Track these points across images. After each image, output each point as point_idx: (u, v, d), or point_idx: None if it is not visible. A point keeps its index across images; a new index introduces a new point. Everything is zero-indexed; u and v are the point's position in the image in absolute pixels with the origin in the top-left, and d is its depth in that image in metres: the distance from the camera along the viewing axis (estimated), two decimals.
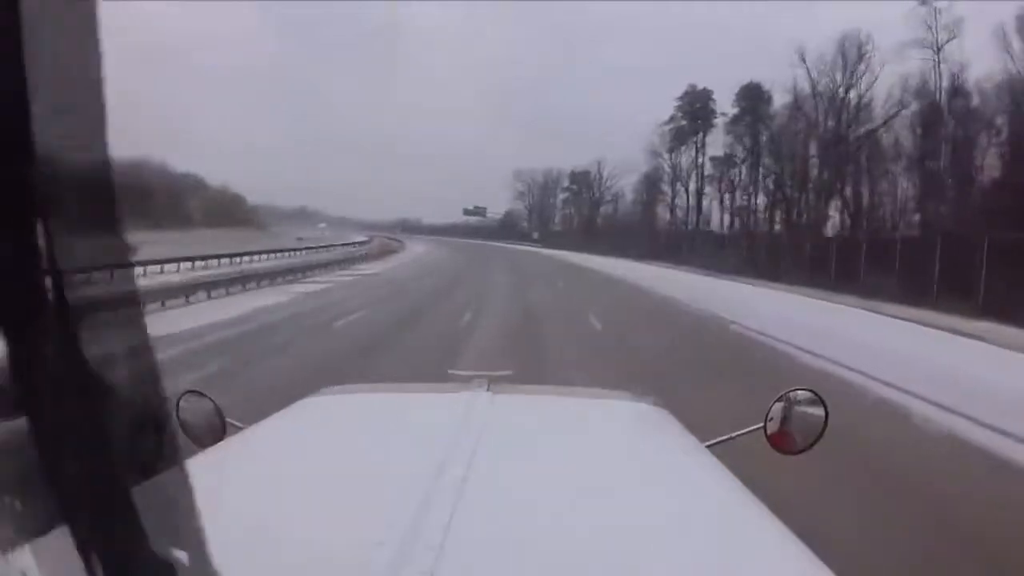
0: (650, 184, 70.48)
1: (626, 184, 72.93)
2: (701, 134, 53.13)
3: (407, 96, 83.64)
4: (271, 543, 0.97)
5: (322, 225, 72.15)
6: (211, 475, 1.22)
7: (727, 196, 49.31)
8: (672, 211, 62.69)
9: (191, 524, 0.79)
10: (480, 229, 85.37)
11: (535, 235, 75.32)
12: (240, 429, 1.77)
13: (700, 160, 53.74)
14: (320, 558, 0.92)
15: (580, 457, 1.42)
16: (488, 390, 1.74)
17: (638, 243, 54.55)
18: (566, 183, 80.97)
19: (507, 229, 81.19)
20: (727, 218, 50.62)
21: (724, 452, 1.67)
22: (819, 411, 1.97)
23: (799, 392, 2.00)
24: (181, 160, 54.25)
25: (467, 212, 75.58)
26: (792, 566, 1.03)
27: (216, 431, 1.90)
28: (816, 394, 2.00)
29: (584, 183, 79.19)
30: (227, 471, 1.29)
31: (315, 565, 0.91)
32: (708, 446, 1.70)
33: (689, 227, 55.95)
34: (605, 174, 74.58)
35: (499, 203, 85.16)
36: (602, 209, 76.13)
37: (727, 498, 1.25)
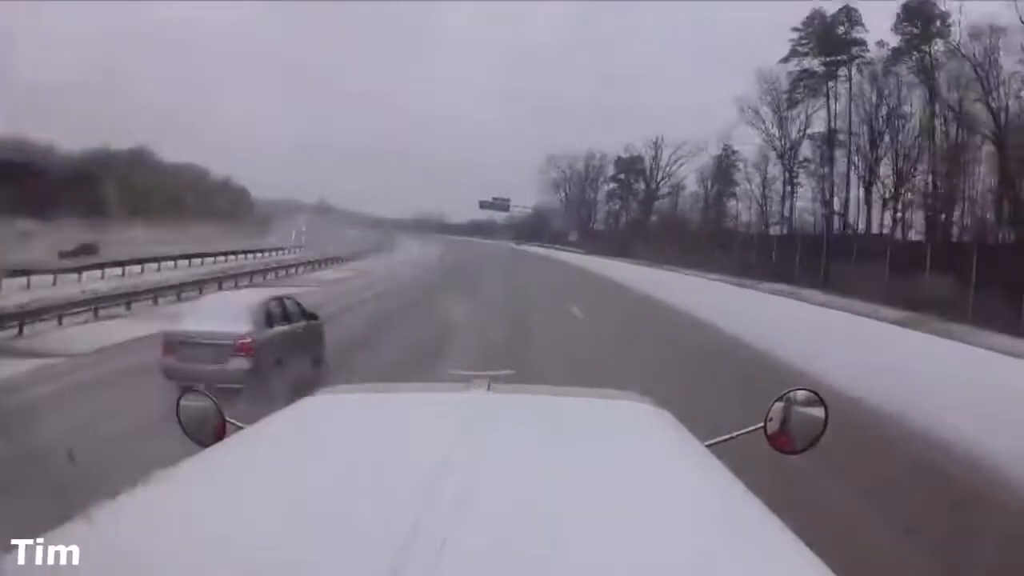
0: (722, 169, 55.00)
1: (690, 171, 57.28)
2: (844, 75, 35.46)
3: (429, 86, 73.68)
4: (271, 543, 0.97)
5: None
6: (211, 475, 1.29)
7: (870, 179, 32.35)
8: (763, 205, 46.78)
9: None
10: (506, 228, 70.49)
11: (572, 236, 59.14)
12: (240, 429, 1.77)
13: (833, 114, 35.93)
14: (320, 558, 0.92)
15: (580, 457, 1.41)
16: (489, 390, 1.76)
17: (709, 250, 38.80)
18: (611, 171, 65.46)
19: (538, 228, 65.80)
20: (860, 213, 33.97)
21: (724, 452, 1.65)
22: (819, 411, 1.98)
23: (799, 392, 2.02)
24: (192, 154, 50.50)
25: (484, 205, 60.20)
26: (792, 565, 1.04)
27: (216, 431, 1.92)
28: (816, 394, 2.01)
29: (634, 171, 63.50)
30: (227, 471, 1.32)
31: (315, 565, 0.91)
32: (708, 446, 1.69)
33: (786, 227, 39.99)
34: (665, 158, 58.84)
35: (528, 197, 70.41)
36: (656, 204, 60.51)
37: (727, 497, 1.25)
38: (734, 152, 57.93)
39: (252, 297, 10.67)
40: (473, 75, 78.50)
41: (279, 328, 9.60)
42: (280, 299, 10.30)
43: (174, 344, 8.99)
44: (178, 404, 2.00)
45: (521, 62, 79.27)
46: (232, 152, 63.31)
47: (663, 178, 59.56)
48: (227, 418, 1.94)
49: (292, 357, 9.33)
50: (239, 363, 8.43)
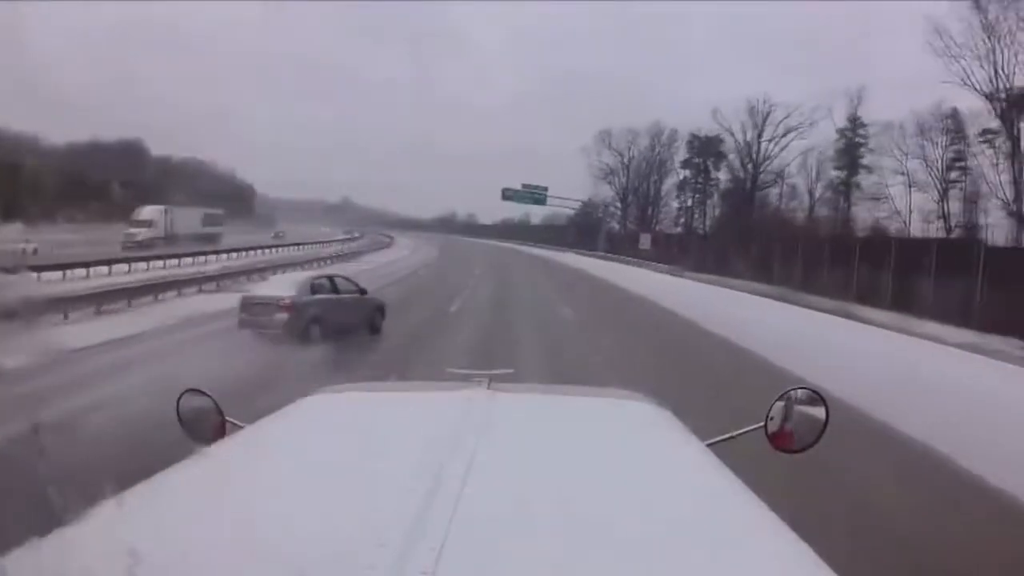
0: (850, 147, 39.62)
1: (795, 152, 41.05)
2: None
3: (457, 79, 70.60)
4: (271, 543, 0.96)
5: (138, 220, 36.93)
6: (211, 474, 1.28)
7: None
8: (942, 197, 30.88)
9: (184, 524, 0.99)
10: (545, 229, 54.96)
11: (645, 242, 42.57)
12: (240, 428, 1.77)
13: None
14: (320, 558, 0.91)
15: (580, 456, 1.41)
16: (488, 388, 1.74)
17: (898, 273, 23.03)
18: (682, 155, 49.20)
19: (588, 229, 50.06)
20: None
21: (725, 451, 1.63)
22: (820, 410, 1.94)
23: (800, 391, 1.99)
24: (203, 151, 49.98)
25: (509, 195, 44.89)
26: (791, 564, 1.03)
27: (216, 429, 1.90)
28: (817, 393, 1.97)
29: (713, 154, 47.40)
30: (227, 470, 1.32)
31: (315, 565, 0.90)
32: (708, 445, 1.66)
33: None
34: (767, 133, 42.51)
35: (574, 192, 55.06)
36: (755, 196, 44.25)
37: (727, 497, 1.25)
38: (864, 125, 41.75)
39: (302, 275, 15.85)
40: (504, 64, 73.03)
41: (321, 296, 12.97)
42: (330, 277, 14.23)
43: (246, 304, 12.86)
44: (178, 403, 1.95)
45: (557, 43, 66.84)
46: (253, 151, 62.96)
47: (764, 160, 43.39)
48: (227, 417, 1.90)
49: (334, 316, 12.72)
50: (280, 316, 12.22)
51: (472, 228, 63.77)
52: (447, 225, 65.08)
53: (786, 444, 1.96)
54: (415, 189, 66.82)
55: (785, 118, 41.35)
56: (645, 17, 55.27)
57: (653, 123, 49.25)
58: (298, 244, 40.50)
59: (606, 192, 50.26)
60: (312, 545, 0.94)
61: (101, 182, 39.84)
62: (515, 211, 56.63)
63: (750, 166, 42.74)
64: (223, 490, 1.17)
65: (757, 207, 41.83)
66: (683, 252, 38.84)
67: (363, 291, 14.16)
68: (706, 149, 47.78)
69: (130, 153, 45.36)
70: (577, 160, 52.25)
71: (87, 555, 0.90)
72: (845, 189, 39.81)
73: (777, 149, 41.54)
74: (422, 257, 38.63)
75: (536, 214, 55.33)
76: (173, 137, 52.46)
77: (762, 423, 1.96)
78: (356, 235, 50.49)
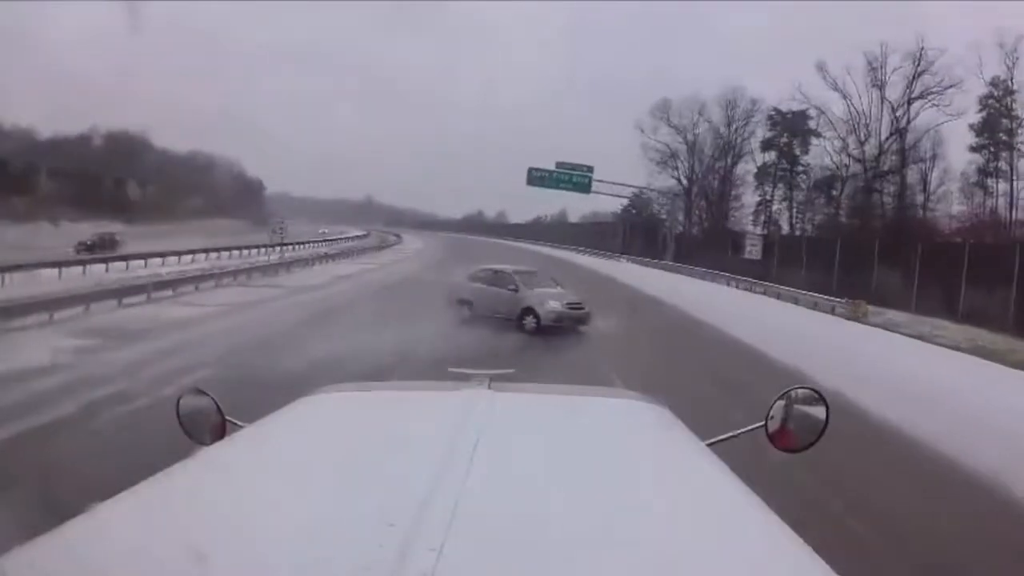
0: (991, 118, 30.14)
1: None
2: None
3: (488, 71, 62.13)
4: (271, 542, 0.97)
5: None
6: (211, 474, 1.29)
7: None
8: None
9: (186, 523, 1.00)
10: (591, 231, 45.30)
11: (753, 249, 32.43)
12: (240, 427, 1.77)
13: None
14: (320, 558, 0.92)
15: (581, 455, 1.42)
16: (489, 388, 1.74)
17: None
18: (765, 133, 39.06)
19: (644, 228, 40.32)
20: None
21: (725, 451, 1.61)
22: (820, 409, 1.94)
23: (800, 390, 1.99)
24: (222, 146, 48.02)
25: (537, 179, 36.61)
26: (792, 564, 1.04)
27: (216, 429, 1.89)
28: (817, 392, 1.97)
29: (802, 131, 37.34)
30: (227, 470, 1.32)
31: (315, 565, 0.91)
32: (709, 444, 1.68)
33: None
34: (915, 89, 32.30)
35: (629, 174, 45.43)
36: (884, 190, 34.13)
37: (728, 496, 1.26)
38: (1011, 92, 31.48)
39: (484, 266, 17.43)
40: (537, 54, 64.65)
41: (476, 285, 16.29)
42: (497, 271, 16.61)
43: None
44: (177, 403, 1.93)
45: (592, 23, 59.04)
46: (272, 149, 61.67)
47: (893, 134, 33.18)
48: (227, 417, 1.89)
49: (481, 302, 15.73)
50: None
51: (499, 228, 54.59)
52: (473, 224, 56.92)
53: (787, 443, 1.94)
54: (440, 187, 60.25)
55: (921, 73, 31.21)
56: None
57: (729, 90, 38.94)
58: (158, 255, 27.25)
59: (663, 182, 40.23)
60: (311, 545, 0.93)
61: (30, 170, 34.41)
62: (549, 206, 47.19)
63: (893, 138, 32.39)
64: (223, 490, 1.17)
65: (891, 202, 31.73)
66: (788, 264, 28.98)
67: (513, 290, 15.69)
68: (793, 127, 37.85)
69: (128, 145, 42.10)
70: (622, 154, 42.82)
71: (87, 555, 0.89)
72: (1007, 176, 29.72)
73: (929, 106, 31.31)
74: (406, 268, 29.32)
75: (574, 210, 45.37)
76: (185, 133, 48.90)
77: (762, 423, 1.95)
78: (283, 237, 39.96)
